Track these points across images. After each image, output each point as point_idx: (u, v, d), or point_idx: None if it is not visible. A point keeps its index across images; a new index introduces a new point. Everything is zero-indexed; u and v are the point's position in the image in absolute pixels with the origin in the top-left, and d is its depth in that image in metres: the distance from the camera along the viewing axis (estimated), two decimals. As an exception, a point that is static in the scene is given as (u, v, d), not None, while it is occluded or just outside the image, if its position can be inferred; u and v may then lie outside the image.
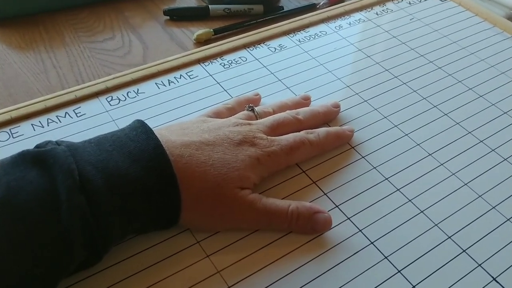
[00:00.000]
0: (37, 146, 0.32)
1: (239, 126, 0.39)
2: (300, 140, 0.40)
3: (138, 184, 0.32)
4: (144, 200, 0.32)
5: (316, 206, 0.37)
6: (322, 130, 0.42)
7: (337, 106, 0.46)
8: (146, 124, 0.35)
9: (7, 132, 0.42)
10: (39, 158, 0.30)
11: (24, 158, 0.30)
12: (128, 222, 0.33)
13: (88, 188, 0.30)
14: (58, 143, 0.32)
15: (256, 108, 0.43)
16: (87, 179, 0.30)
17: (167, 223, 0.35)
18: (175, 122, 0.44)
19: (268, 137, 0.39)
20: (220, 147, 0.36)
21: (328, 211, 0.38)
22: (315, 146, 0.41)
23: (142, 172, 0.32)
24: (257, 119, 0.41)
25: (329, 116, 0.45)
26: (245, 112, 0.42)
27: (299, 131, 0.41)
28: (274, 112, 0.43)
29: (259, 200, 0.36)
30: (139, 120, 0.36)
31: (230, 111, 0.43)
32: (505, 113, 0.48)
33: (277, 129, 0.40)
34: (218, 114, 0.42)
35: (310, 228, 0.36)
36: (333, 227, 0.37)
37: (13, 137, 0.42)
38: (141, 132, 0.34)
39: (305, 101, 0.46)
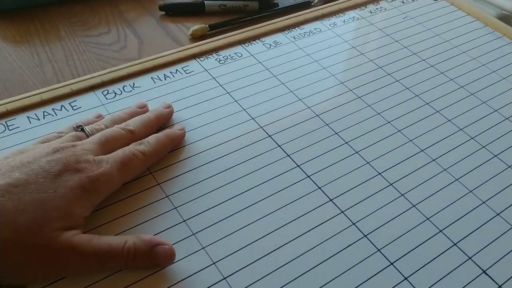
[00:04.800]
0: None
1: (59, 152, 0.34)
2: (130, 152, 0.36)
3: None
4: None
5: (157, 238, 0.34)
6: (152, 137, 0.39)
7: (168, 106, 0.44)
8: None
9: (3, 125, 0.42)
10: None
11: None
12: None
13: None
14: None
15: (87, 127, 0.38)
16: None
17: None
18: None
19: (96, 157, 0.35)
20: (34, 185, 0.31)
21: (319, 206, 0.38)
22: (148, 155, 0.38)
23: None
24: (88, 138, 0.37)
25: (162, 119, 0.42)
26: (73, 133, 0.37)
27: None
28: (107, 127, 0.39)
29: (88, 241, 0.31)
30: None
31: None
32: (495, 111, 0.49)
33: (106, 144, 0.36)
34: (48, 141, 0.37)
35: (151, 264, 0.33)
36: (326, 221, 0.38)
37: (9, 129, 0.42)
38: None
39: (141, 109, 0.43)
